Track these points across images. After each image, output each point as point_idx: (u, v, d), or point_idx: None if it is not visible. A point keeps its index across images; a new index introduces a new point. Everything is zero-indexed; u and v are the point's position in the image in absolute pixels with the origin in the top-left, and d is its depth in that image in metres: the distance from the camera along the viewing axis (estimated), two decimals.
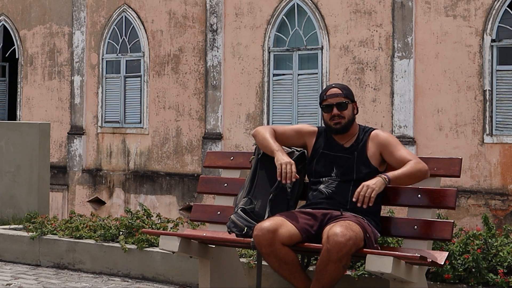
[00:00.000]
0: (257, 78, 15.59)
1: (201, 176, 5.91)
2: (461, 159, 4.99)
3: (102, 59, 17.75)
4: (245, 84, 15.72)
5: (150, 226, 7.09)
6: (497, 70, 13.33)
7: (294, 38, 15.32)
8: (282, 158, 4.96)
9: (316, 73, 14.96)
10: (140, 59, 17.19)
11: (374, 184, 4.73)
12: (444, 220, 5.02)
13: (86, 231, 7.25)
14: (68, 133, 18.08)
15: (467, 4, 13.55)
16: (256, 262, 5.41)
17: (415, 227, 4.87)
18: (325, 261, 4.60)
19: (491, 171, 13.30)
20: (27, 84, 18.87)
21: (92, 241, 7.08)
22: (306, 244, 4.79)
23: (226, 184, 5.61)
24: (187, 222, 7.02)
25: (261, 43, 15.57)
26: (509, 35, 13.35)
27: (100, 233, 7.10)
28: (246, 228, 4.95)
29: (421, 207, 4.93)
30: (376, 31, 14.36)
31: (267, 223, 4.79)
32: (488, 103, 13.32)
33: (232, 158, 5.69)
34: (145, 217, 7.26)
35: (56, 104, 18.41)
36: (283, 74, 15.43)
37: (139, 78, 17.20)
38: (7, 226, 8.15)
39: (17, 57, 19.13)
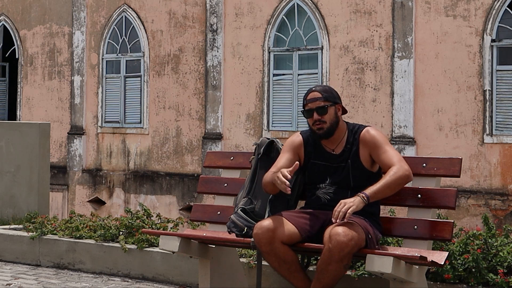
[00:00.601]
0: (257, 78, 15.59)
1: (201, 176, 5.91)
2: (461, 159, 4.98)
3: (102, 59, 17.75)
4: (245, 84, 15.72)
5: (150, 226, 7.09)
6: (497, 70, 13.33)
7: (294, 38, 15.32)
8: (276, 174, 4.77)
9: (316, 73, 14.96)
10: (140, 59, 17.19)
11: (352, 202, 4.62)
12: (444, 220, 5.02)
13: (86, 231, 7.26)
14: (68, 133, 18.08)
15: (467, 4, 13.55)
16: (256, 262, 5.41)
17: (415, 227, 4.87)
18: (327, 260, 4.60)
19: (491, 171, 13.30)
20: (27, 84, 18.87)
21: (92, 241, 7.08)
22: (306, 244, 4.79)
23: (226, 184, 5.61)
24: (187, 222, 7.02)
25: (261, 43, 15.57)
26: (509, 35, 13.35)
27: (100, 233, 7.10)
28: (246, 228, 4.95)
29: (421, 207, 4.93)
30: (376, 31, 14.36)
31: (267, 222, 4.79)
32: (488, 103, 13.32)
33: (232, 158, 5.69)
34: (145, 217, 7.26)
35: (56, 104, 18.41)
36: (283, 74, 15.43)
37: (139, 78, 17.20)
38: (7, 226, 8.15)
39: (17, 57, 19.13)
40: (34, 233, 7.48)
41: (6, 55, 19.85)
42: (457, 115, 13.58)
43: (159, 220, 7.25)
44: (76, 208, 16.71)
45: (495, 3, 13.34)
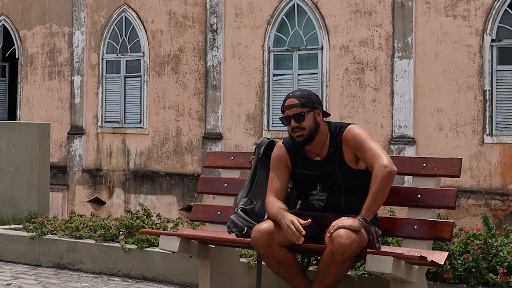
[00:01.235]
0: (257, 78, 15.59)
1: (201, 176, 5.91)
2: (461, 159, 4.97)
3: (102, 59, 17.75)
4: (245, 84, 15.72)
5: (150, 226, 7.09)
6: (497, 70, 13.33)
7: (294, 38, 15.31)
8: (284, 218, 4.68)
9: (316, 73, 14.96)
10: (140, 59, 17.19)
11: (349, 225, 4.53)
12: (444, 220, 5.01)
13: (86, 231, 7.25)
14: (68, 133, 18.08)
15: (467, 4, 13.55)
16: (256, 262, 5.40)
17: (415, 227, 4.87)
18: (329, 262, 4.57)
19: (491, 171, 13.30)
20: (27, 84, 18.87)
21: (92, 241, 7.08)
22: (305, 244, 4.78)
23: (226, 184, 5.61)
24: (187, 222, 7.02)
25: (261, 43, 15.57)
26: (509, 35, 13.35)
27: (100, 233, 7.10)
28: (246, 228, 4.93)
29: (421, 207, 4.92)
30: (376, 31, 14.36)
31: (265, 225, 4.76)
32: (488, 103, 13.32)
33: (232, 158, 5.69)
34: (145, 217, 7.26)
35: (56, 104, 18.41)
36: (283, 74, 15.43)
37: (139, 78, 17.20)
38: (7, 226, 8.15)
39: (17, 57, 19.13)
40: (34, 233, 7.48)
41: (6, 55, 19.85)
42: (457, 115, 13.58)
43: (159, 220, 7.25)
44: (76, 208, 16.71)
45: (495, 3, 13.34)
